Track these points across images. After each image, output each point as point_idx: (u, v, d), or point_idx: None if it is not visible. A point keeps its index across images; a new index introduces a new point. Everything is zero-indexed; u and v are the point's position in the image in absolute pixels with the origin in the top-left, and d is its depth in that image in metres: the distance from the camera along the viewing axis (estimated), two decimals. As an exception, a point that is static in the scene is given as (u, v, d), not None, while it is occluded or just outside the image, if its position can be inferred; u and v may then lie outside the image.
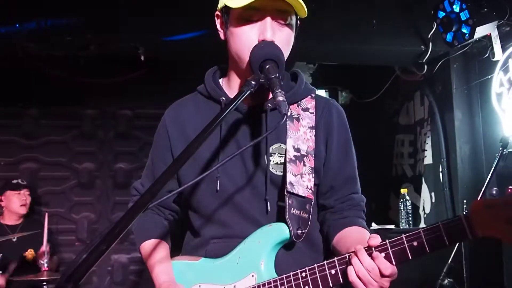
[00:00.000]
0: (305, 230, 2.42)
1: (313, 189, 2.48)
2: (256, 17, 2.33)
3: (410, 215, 6.93)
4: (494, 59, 6.10)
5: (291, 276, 2.28)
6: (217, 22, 2.54)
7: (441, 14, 5.93)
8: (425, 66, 7.06)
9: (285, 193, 2.40)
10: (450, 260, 5.12)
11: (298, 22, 2.50)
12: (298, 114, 2.57)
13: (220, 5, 2.47)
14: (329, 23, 6.54)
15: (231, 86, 2.61)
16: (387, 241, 2.06)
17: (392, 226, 6.82)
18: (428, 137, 7.60)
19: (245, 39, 2.36)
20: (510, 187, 2.11)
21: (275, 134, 2.49)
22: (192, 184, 2.50)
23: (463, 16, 5.68)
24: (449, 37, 5.92)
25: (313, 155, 2.52)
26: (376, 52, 7.04)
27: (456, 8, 5.74)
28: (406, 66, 7.63)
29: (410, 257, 2.03)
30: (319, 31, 6.44)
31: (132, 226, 2.63)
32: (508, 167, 4.94)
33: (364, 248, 2.09)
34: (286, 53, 2.40)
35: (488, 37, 6.03)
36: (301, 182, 2.45)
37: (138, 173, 8.79)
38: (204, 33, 6.18)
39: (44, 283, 6.35)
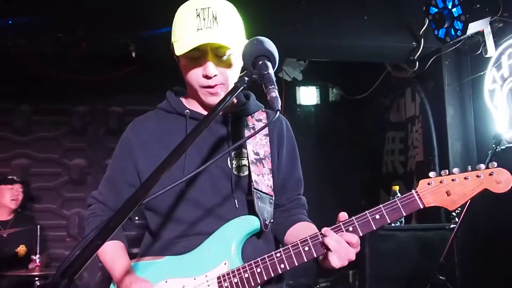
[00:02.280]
0: (271, 220, 2.68)
1: (272, 187, 2.73)
2: (198, 54, 2.53)
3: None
4: (486, 56, 6.10)
5: (266, 257, 2.48)
6: (173, 53, 2.69)
7: (433, 10, 5.92)
8: (417, 62, 7.05)
9: (252, 189, 2.62)
10: (442, 258, 5.11)
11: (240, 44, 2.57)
12: (253, 124, 2.82)
13: (171, 41, 2.67)
14: (320, 19, 6.53)
15: (190, 103, 2.79)
16: (353, 217, 2.42)
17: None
18: (420, 134, 7.60)
19: (191, 75, 2.61)
20: (444, 170, 2.38)
21: (236, 139, 2.72)
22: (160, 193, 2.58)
23: (456, 12, 5.67)
24: (441, 33, 5.91)
25: (270, 158, 2.78)
26: (367, 49, 7.04)
27: (449, 4, 5.73)
28: (397, 62, 7.64)
29: (374, 228, 2.39)
30: (309, 27, 6.44)
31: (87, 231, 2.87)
32: (500, 164, 4.94)
33: (334, 226, 2.42)
34: (233, 78, 2.60)
35: (480, 33, 6.03)
36: (263, 181, 2.69)
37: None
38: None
39: (36, 278, 6.35)
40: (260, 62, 2.19)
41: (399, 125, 8.37)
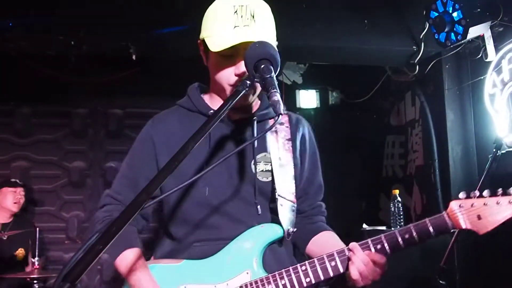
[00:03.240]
0: (294, 229, 2.64)
1: (295, 194, 2.70)
2: (230, 52, 2.46)
3: (401, 216, 6.89)
4: (487, 60, 6.09)
5: (291, 270, 2.44)
6: (200, 49, 2.69)
7: (434, 14, 5.91)
8: (417, 66, 7.05)
9: (276, 197, 2.62)
10: (442, 262, 5.11)
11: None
12: (275, 128, 2.77)
13: (201, 36, 2.62)
14: (320, 23, 6.53)
15: (213, 101, 2.75)
16: (382, 235, 2.38)
17: (383, 227, 6.77)
18: (420, 138, 7.59)
19: (222, 73, 2.56)
20: (474, 192, 2.35)
21: (260, 144, 2.71)
22: (177, 192, 2.63)
23: (456, 16, 5.66)
24: (441, 37, 5.90)
25: (292, 163, 2.74)
26: (367, 52, 7.03)
27: (449, 8, 5.73)
28: (397, 66, 7.63)
29: (403, 246, 2.36)
30: (309, 30, 6.44)
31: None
32: (501, 168, 4.93)
33: (362, 242, 2.39)
34: None
35: (481, 38, 6.02)
36: (286, 187, 2.67)
37: (128, 172, 8.76)
38: (195, 32, 6.16)
39: (35, 281, 6.34)
40: (262, 66, 2.18)
41: (399, 129, 8.36)
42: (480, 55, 6.24)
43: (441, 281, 5.09)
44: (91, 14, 6.17)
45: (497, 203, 2.30)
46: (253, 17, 2.46)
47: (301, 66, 9.21)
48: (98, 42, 6.53)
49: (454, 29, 5.72)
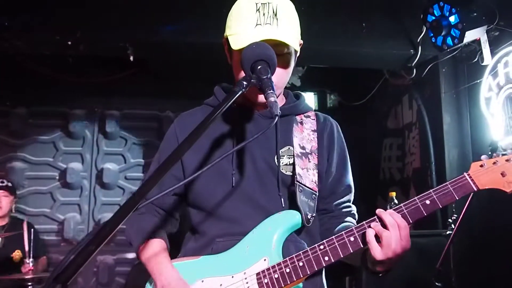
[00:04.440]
0: (314, 214, 2.59)
1: (317, 183, 2.64)
2: None
3: (398, 219, 6.88)
4: (483, 64, 6.10)
5: (309, 250, 2.42)
6: (225, 47, 2.66)
7: (431, 18, 5.94)
8: (414, 69, 7.06)
9: (295, 182, 2.56)
10: (438, 265, 5.10)
11: (297, 50, 2.60)
12: (301, 119, 2.78)
13: (225, 34, 2.60)
14: (318, 25, 6.53)
15: (238, 100, 2.65)
16: (402, 204, 2.37)
17: (380, 230, 6.77)
18: (417, 140, 7.60)
19: (243, 72, 2.43)
20: (497, 152, 2.32)
21: (284, 137, 2.68)
22: (203, 182, 2.64)
23: (453, 20, 5.69)
24: (438, 41, 5.93)
25: (316, 154, 2.71)
26: (365, 55, 7.04)
27: (446, 12, 5.75)
28: (395, 69, 7.65)
29: (425, 213, 2.34)
30: (307, 33, 6.39)
31: (129, 228, 2.74)
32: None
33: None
34: (284, 80, 2.64)
35: (477, 42, 6.03)
36: (307, 175, 2.61)
37: (124, 173, 8.78)
38: (194, 33, 6.17)
39: (30, 283, 6.31)
40: (259, 67, 2.18)
41: (397, 131, 8.37)
42: (476, 59, 6.26)
43: (437, 283, 5.08)
44: (88, 14, 6.17)
45: None
46: (275, 15, 2.45)
47: (299, 68, 9.20)
48: (95, 43, 6.52)
49: (451, 33, 5.74)
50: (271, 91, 2.11)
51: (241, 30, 2.46)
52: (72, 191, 8.79)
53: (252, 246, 2.50)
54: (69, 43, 6.34)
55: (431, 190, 2.35)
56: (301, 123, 2.76)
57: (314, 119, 2.83)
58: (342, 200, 2.80)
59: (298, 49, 2.54)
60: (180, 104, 8.35)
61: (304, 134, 2.72)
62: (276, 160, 2.63)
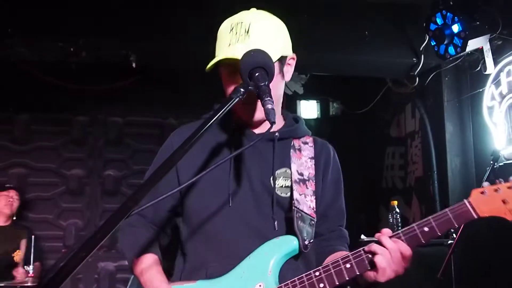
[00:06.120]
0: (311, 240, 2.55)
1: (315, 209, 2.62)
2: (232, 69, 2.45)
3: (399, 228, 6.82)
4: (486, 73, 6.09)
5: (304, 276, 2.38)
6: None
7: (434, 26, 5.94)
8: (417, 78, 7.05)
9: (293, 208, 2.53)
10: (439, 274, 5.09)
11: (285, 61, 2.65)
12: (299, 145, 2.74)
13: None
14: (321, 33, 6.54)
15: (234, 121, 2.68)
16: (400, 230, 2.32)
17: (382, 239, 6.72)
18: (419, 149, 7.59)
19: (227, 91, 2.56)
20: (499, 179, 2.28)
21: (281, 159, 2.65)
22: (200, 203, 2.63)
23: (456, 29, 5.68)
24: (441, 49, 5.92)
25: (314, 181, 2.68)
26: (368, 64, 7.04)
27: (449, 21, 5.75)
28: (397, 78, 7.64)
29: (423, 241, 2.28)
30: (311, 41, 6.43)
31: (122, 242, 2.73)
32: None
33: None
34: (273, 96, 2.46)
35: (480, 50, 6.03)
36: (305, 202, 2.60)
37: (127, 180, 8.79)
38: (197, 40, 6.18)
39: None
40: (257, 74, 2.16)
41: (399, 140, 8.36)
42: (479, 67, 6.25)
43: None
44: (91, 21, 6.19)
45: None
46: (247, 32, 2.46)
47: (302, 76, 9.21)
48: (98, 50, 6.52)
49: (454, 41, 5.74)
50: (269, 98, 2.10)
51: (218, 51, 2.52)
52: (74, 198, 8.79)
53: (248, 271, 2.47)
54: (72, 50, 6.35)
55: (430, 217, 2.30)
56: (299, 149, 2.74)
57: (312, 146, 2.80)
58: (333, 224, 2.80)
59: (278, 63, 2.52)
60: (183, 111, 8.43)
61: (302, 161, 2.71)
62: (272, 181, 2.61)
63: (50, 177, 8.73)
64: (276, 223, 2.55)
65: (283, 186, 2.62)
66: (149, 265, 2.58)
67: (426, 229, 2.28)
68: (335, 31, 6.68)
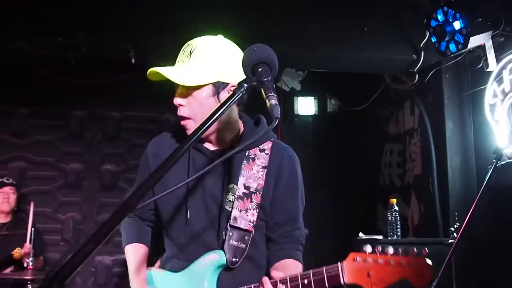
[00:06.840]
0: (240, 258, 2.76)
1: (255, 223, 2.79)
2: (175, 84, 2.80)
3: (398, 226, 6.79)
4: (487, 70, 6.07)
5: None
6: None
7: (434, 23, 5.90)
8: (417, 75, 7.03)
9: (227, 227, 2.77)
10: (439, 274, 5.06)
11: (224, 87, 2.76)
12: (254, 155, 2.88)
13: None
14: (320, 30, 6.52)
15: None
16: (287, 276, 2.47)
17: (380, 237, 6.67)
18: (418, 147, 7.57)
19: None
20: (378, 246, 2.29)
21: (231, 174, 2.84)
22: (167, 213, 2.95)
23: (457, 25, 5.65)
24: (442, 46, 5.88)
25: (261, 193, 2.82)
26: (366, 60, 7.03)
27: (450, 17, 5.72)
28: (397, 74, 7.62)
29: None
30: (309, 38, 6.43)
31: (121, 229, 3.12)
32: (500, 179, 4.89)
33: (271, 280, 2.52)
34: (203, 114, 2.65)
35: (482, 47, 6.00)
36: (245, 216, 2.78)
37: (125, 175, 8.81)
38: (194, 36, 6.14)
39: (28, 282, 6.29)
40: (260, 69, 2.15)
41: (398, 137, 8.33)
42: (480, 65, 6.23)
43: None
44: (90, 16, 6.17)
45: (387, 263, 2.24)
46: (190, 54, 2.72)
47: (300, 73, 9.20)
48: (97, 45, 6.52)
49: (455, 38, 5.71)
50: (272, 93, 2.07)
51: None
52: (72, 191, 8.79)
53: (192, 276, 2.80)
54: (71, 45, 6.35)
55: (311, 270, 2.39)
56: (253, 159, 2.86)
57: (268, 153, 2.89)
58: (284, 230, 2.90)
59: (214, 84, 2.72)
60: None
61: (253, 172, 2.83)
62: (222, 196, 2.82)
63: (49, 171, 8.74)
64: (218, 237, 2.81)
65: (230, 200, 2.81)
66: (135, 259, 3.02)
67: (305, 281, 2.40)
68: (334, 27, 6.66)
